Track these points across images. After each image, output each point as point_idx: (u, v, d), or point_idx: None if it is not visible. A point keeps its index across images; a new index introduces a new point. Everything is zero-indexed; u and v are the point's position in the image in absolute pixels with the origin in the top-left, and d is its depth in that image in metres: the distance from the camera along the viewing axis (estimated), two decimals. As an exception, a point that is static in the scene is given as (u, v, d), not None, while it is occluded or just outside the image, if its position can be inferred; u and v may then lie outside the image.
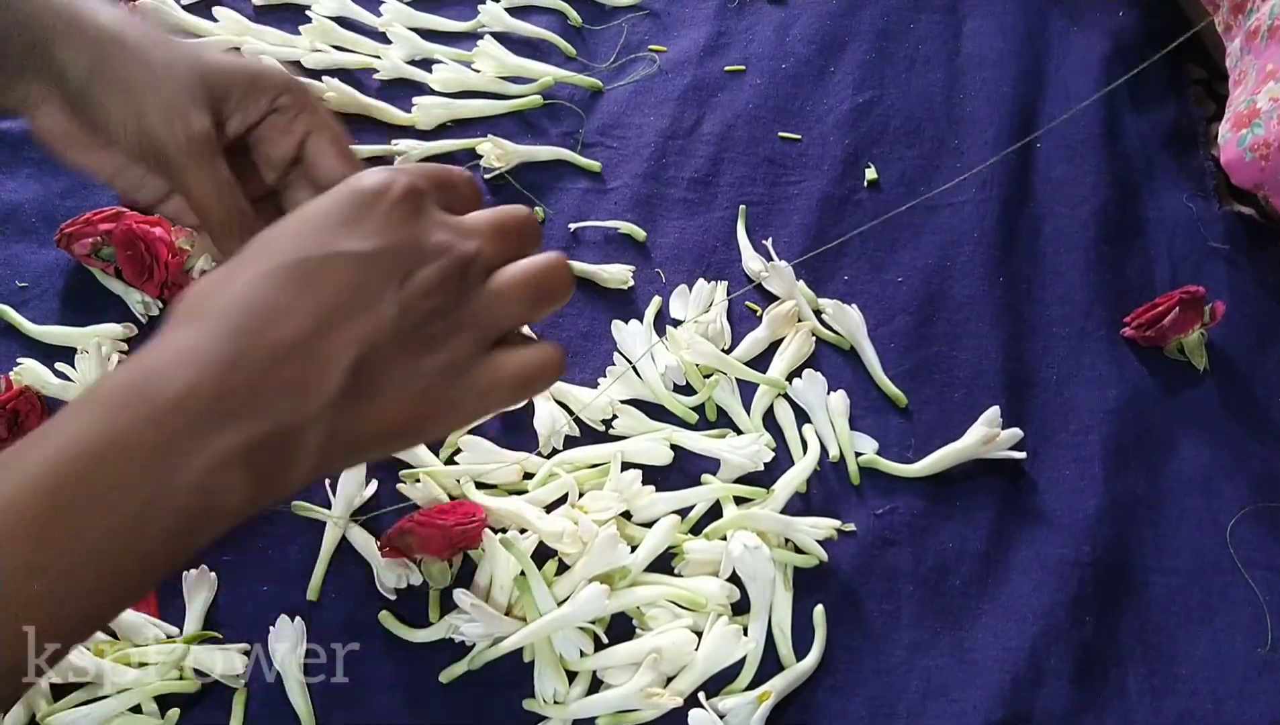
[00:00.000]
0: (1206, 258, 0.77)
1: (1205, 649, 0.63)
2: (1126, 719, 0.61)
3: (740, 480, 0.67)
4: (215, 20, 0.89)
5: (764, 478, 0.67)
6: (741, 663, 0.61)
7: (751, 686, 0.60)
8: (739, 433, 0.69)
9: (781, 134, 0.84)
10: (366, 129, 0.84)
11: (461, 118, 0.85)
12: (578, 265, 0.76)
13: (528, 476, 0.67)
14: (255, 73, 0.52)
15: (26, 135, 0.83)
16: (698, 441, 0.67)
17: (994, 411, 0.68)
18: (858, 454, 0.69)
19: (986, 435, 0.67)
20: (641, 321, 0.73)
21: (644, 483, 0.66)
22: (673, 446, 0.67)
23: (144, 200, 0.55)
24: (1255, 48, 0.75)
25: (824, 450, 0.69)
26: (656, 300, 0.75)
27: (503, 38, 0.88)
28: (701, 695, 0.59)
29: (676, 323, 0.73)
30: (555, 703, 0.60)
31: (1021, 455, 0.68)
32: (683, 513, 0.66)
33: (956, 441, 0.68)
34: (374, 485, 0.67)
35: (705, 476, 0.67)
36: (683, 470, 0.68)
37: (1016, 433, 0.68)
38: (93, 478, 0.35)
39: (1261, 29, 0.74)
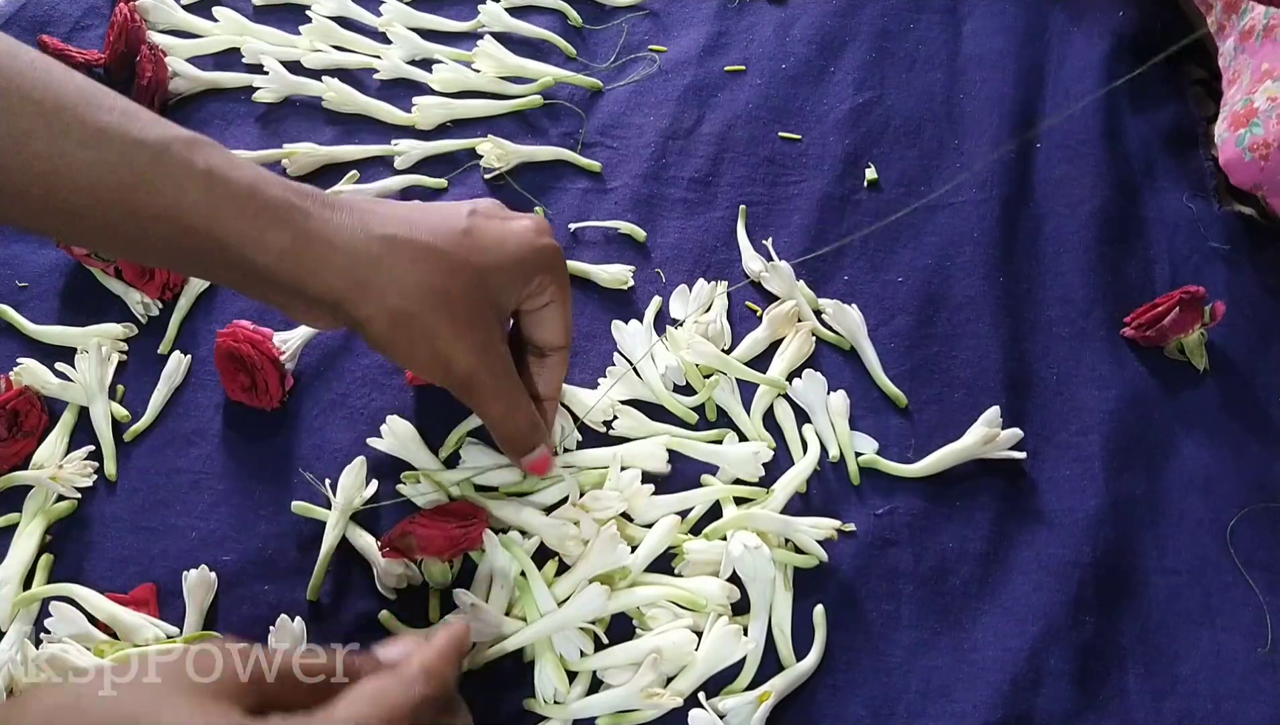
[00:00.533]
0: (1207, 258, 0.77)
1: (1205, 649, 0.63)
2: (1126, 719, 0.61)
3: (740, 481, 0.67)
4: (215, 20, 0.89)
5: (764, 478, 0.67)
6: (741, 663, 0.61)
7: (751, 686, 0.60)
8: (739, 432, 0.69)
9: (781, 134, 0.84)
10: (366, 129, 0.84)
11: (461, 118, 0.85)
12: (578, 265, 0.76)
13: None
14: (525, 262, 0.57)
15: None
16: (696, 448, 0.67)
17: (994, 411, 0.68)
18: (857, 454, 0.69)
19: (986, 435, 0.67)
20: (641, 321, 0.73)
21: (643, 482, 0.66)
22: (671, 452, 0.67)
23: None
24: (1250, 47, 0.75)
25: (824, 450, 0.69)
26: (656, 300, 0.75)
27: (503, 38, 0.88)
28: (701, 695, 0.59)
29: (676, 323, 0.73)
30: (555, 703, 0.60)
31: (1021, 455, 0.68)
32: (683, 514, 0.66)
33: (956, 441, 0.68)
34: (374, 485, 0.67)
35: (705, 477, 0.67)
36: (682, 472, 0.68)
37: (1016, 433, 0.68)
38: None
39: (1256, 28, 0.74)
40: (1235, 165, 0.73)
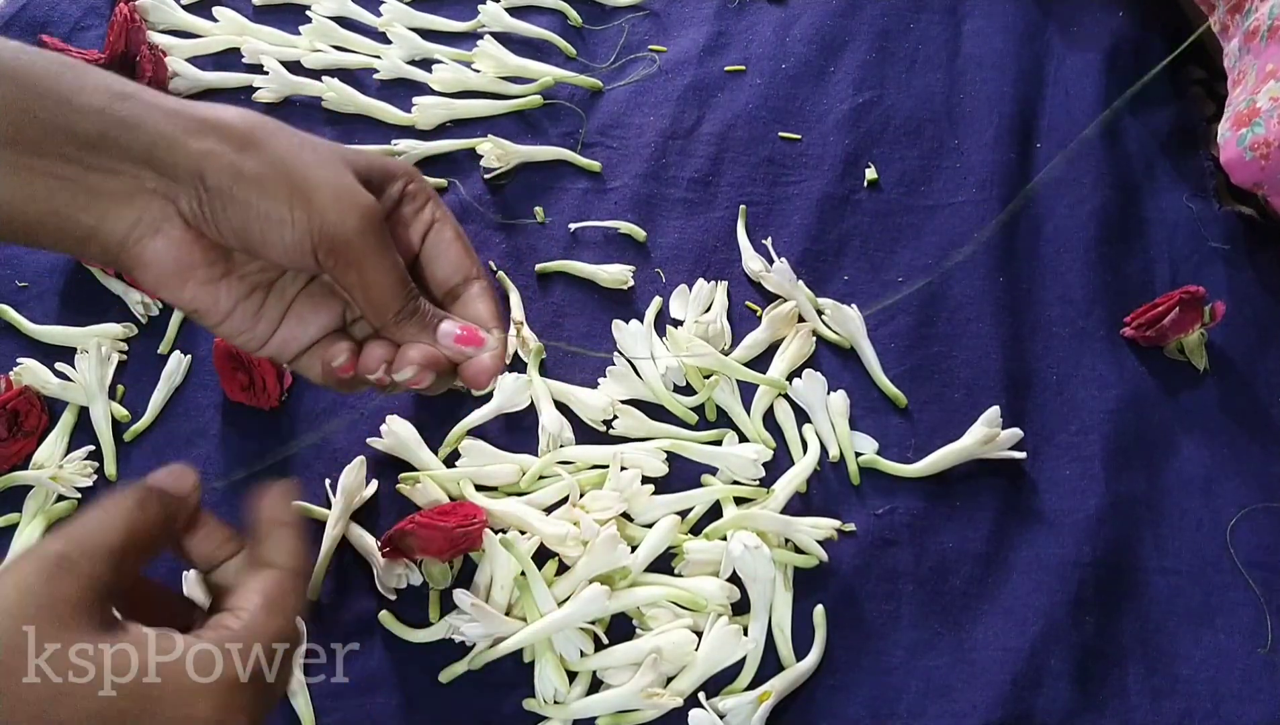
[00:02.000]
0: (1207, 258, 0.77)
1: (1205, 649, 0.63)
2: (1126, 719, 0.61)
3: (739, 482, 0.67)
4: (215, 20, 0.89)
5: (764, 478, 0.67)
6: (741, 663, 0.61)
7: (751, 686, 0.60)
8: (739, 433, 0.69)
9: (781, 134, 0.84)
10: (366, 129, 0.84)
11: (461, 118, 0.85)
12: (578, 265, 0.76)
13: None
14: (384, 159, 0.50)
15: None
16: (695, 449, 0.67)
17: (994, 411, 0.68)
18: (857, 454, 0.69)
19: (986, 435, 0.67)
20: (642, 321, 0.73)
21: (642, 483, 0.66)
22: (671, 453, 0.68)
23: (252, 343, 0.50)
24: (1255, 47, 0.75)
25: (824, 450, 0.69)
26: (657, 300, 0.74)
27: (503, 38, 0.88)
28: (702, 695, 0.59)
29: (677, 323, 0.73)
30: (555, 703, 0.60)
31: (1021, 455, 0.68)
32: (683, 514, 0.66)
33: (956, 442, 0.68)
34: (374, 485, 0.67)
35: (705, 477, 0.67)
36: (681, 472, 0.68)
37: (1016, 433, 0.68)
38: None
39: (1261, 29, 0.74)
40: (1236, 164, 0.73)
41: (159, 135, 0.42)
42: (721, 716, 0.59)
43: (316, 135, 0.78)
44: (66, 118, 0.41)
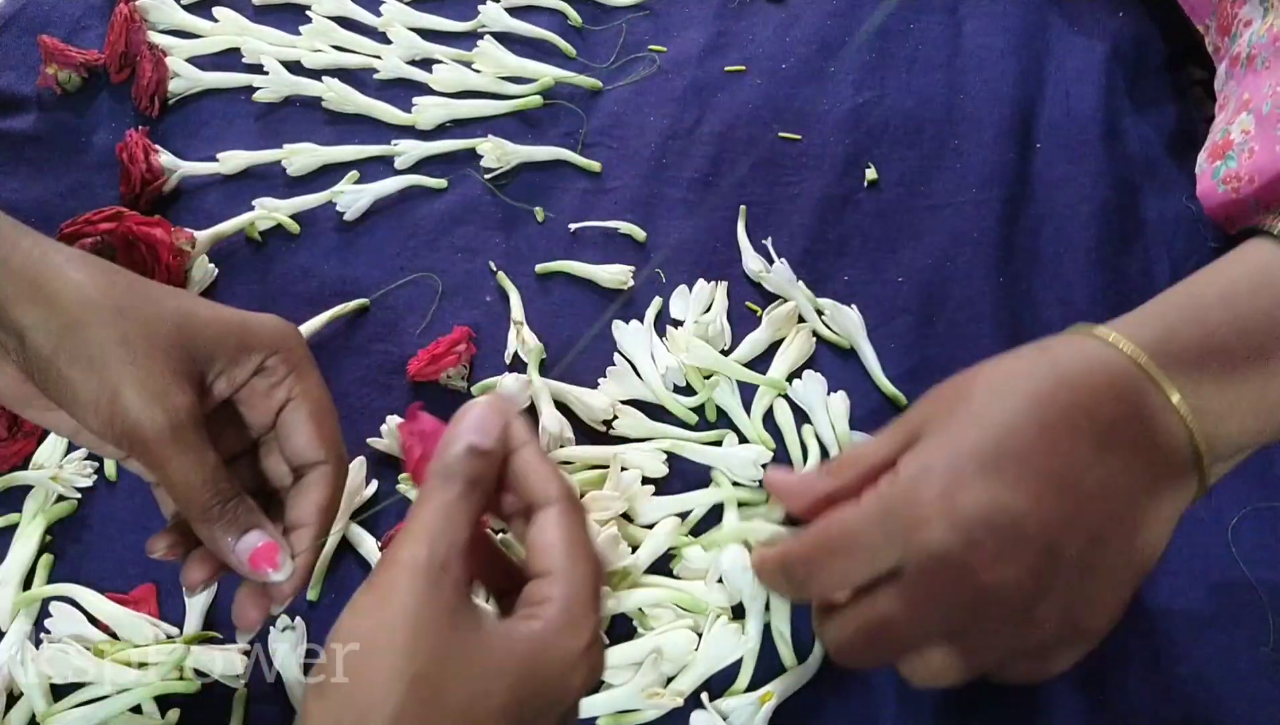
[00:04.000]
0: (1206, 258, 0.77)
1: (1207, 649, 0.63)
2: (1127, 719, 0.61)
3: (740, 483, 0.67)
4: (215, 20, 0.89)
5: (764, 479, 0.67)
6: (740, 662, 0.61)
7: (751, 686, 0.60)
8: (739, 433, 0.69)
9: (781, 134, 0.84)
10: (366, 129, 0.84)
11: (461, 118, 0.85)
12: (578, 265, 0.76)
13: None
14: (244, 330, 0.49)
15: (25, 134, 0.84)
16: (695, 450, 0.67)
17: None
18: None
19: None
20: (642, 321, 0.73)
21: (643, 483, 0.66)
22: (670, 454, 0.67)
23: (108, 456, 0.51)
24: (1237, 74, 0.74)
25: (824, 451, 0.69)
26: (657, 301, 0.74)
27: (503, 38, 0.88)
28: (705, 696, 0.59)
29: (677, 323, 0.73)
30: (556, 703, 0.60)
31: None
32: (683, 515, 0.66)
33: None
34: (374, 485, 0.67)
35: (715, 474, 0.67)
36: (682, 472, 0.68)
37: None
38: None
39: (1242, 55, 0.74)
40: (1209, 196, 0.73)
41: None
42: (725, 718, 0.59)
43: (319, 134, 0.78)
44: None
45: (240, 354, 0.49)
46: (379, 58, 0.87)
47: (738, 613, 0.62)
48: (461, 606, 0.40)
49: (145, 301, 0.46)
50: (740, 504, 0.66)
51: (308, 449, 0.50)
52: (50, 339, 0.44)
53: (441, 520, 0.41)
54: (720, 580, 0.62)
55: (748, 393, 0.71)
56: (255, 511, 0.48)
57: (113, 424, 0.44)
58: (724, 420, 0.70)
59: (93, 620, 0.62)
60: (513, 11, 0.91)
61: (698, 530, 0.66)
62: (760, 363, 0.72)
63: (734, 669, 0.61)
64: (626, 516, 0.65)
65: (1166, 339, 0.48)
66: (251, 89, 0.86)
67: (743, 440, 0.69)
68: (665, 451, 0.67)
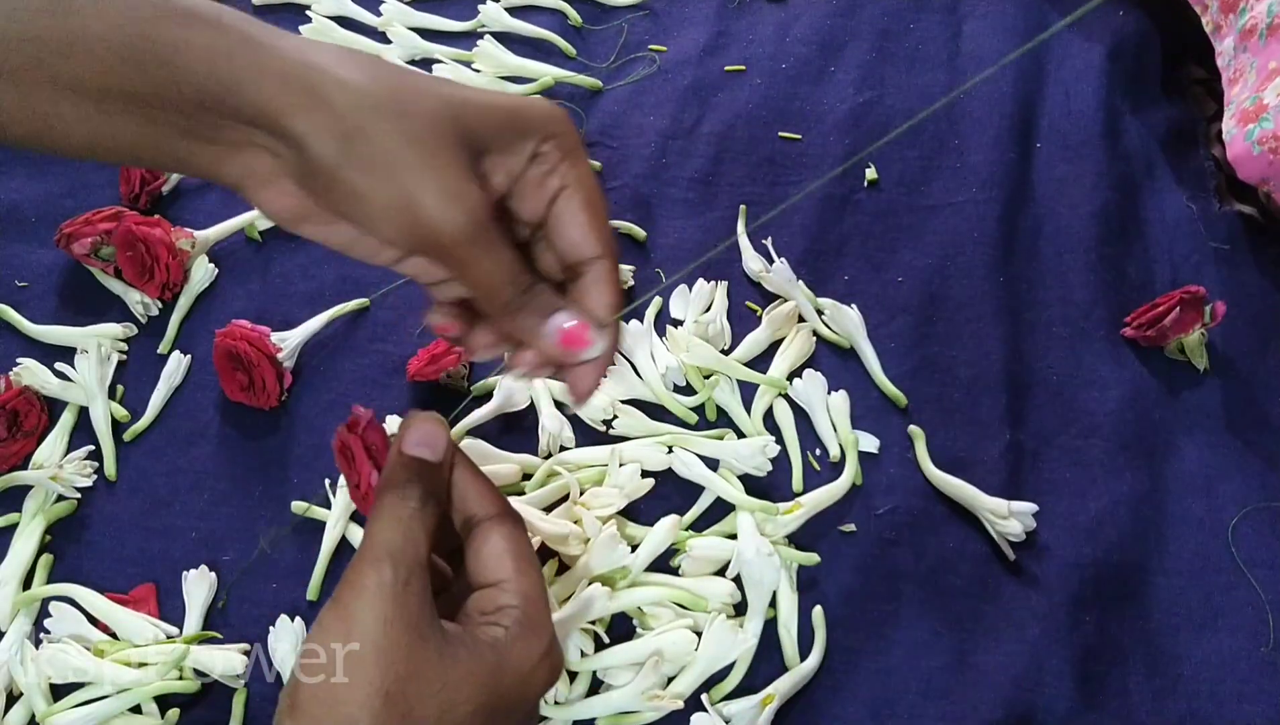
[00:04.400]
0: (1207, 258, 0.77)
1: (1207, 649, 0.63)
2: (1128, 720, 0.61)
3: (747, 482, 0.67)
4: (215, 20, 0.89)
5: (765, 478, 0.67)
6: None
7: (751, 684, 0.60)
8: (739, 432, 0.69)
9: (781, 134, 0.84)
10: (366, 129, 0.84)
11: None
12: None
13: (526, 477, 0.67)
14: (518, 114, 0.44)
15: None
16: (700, 444, 0.67)
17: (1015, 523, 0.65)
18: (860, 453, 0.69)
19: (997, 508, 0.65)
20: (642, 321, 0.73)
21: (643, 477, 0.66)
22: (672, 450, 0.67)
23: (380, 263, 0.47)
24: (1253, 45, 0.75)
25: (824, 449, 0.69)
26: (657, 300, 0.74)
27: (503, 37, 0.88)
28: (706, 699, 0.59)
29: (677, 323, 0.73)
30: (556, 703, 0.60)
31: (1015, 536, 0.66)
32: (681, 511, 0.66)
33: (970, 486, 0.67)
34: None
35: (723, 470, 0.67)
36: (676, 481, 0.68)
37: (1029, 507, 0.66)
38: None
39: (1260, 27, 0.74)
40: (1244, 160, 0.73)
41: (265, 105, 0.41)
42: (727, 721, 0.59)
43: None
44: (173, 76, 0.40)
45: (517, 141, 0.45)
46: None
47: (738, 610, 0.63)
48: (427, 620, 0.41)
49: (422, 96, 0.42)
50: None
51: (583, 242, 0.46)
52: (334, 147, 0.41)
53: (400, 538, 0.42)
54: (723, 573, 0.63)
55: (748, 392, 0.71)
56: (555, 297, 0.46)
57: (411, 230, 0.42)
58: (724, 419, 0.70)
59: (92, 620, 0.63)
60: (513, 11, 0.90)
61: (697, 526, 0.66)
62: (760, 362, 0.72)
63: (732, 667, 0.61)
64: (627, 515, 0.66)
65: None
66: (251, 88, 0.85)
67: (742, 439, 0.69)
68: (668, 446, 0.67)
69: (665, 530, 0.64)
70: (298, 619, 0.62)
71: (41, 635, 0.62)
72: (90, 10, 0.39)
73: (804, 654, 0.62)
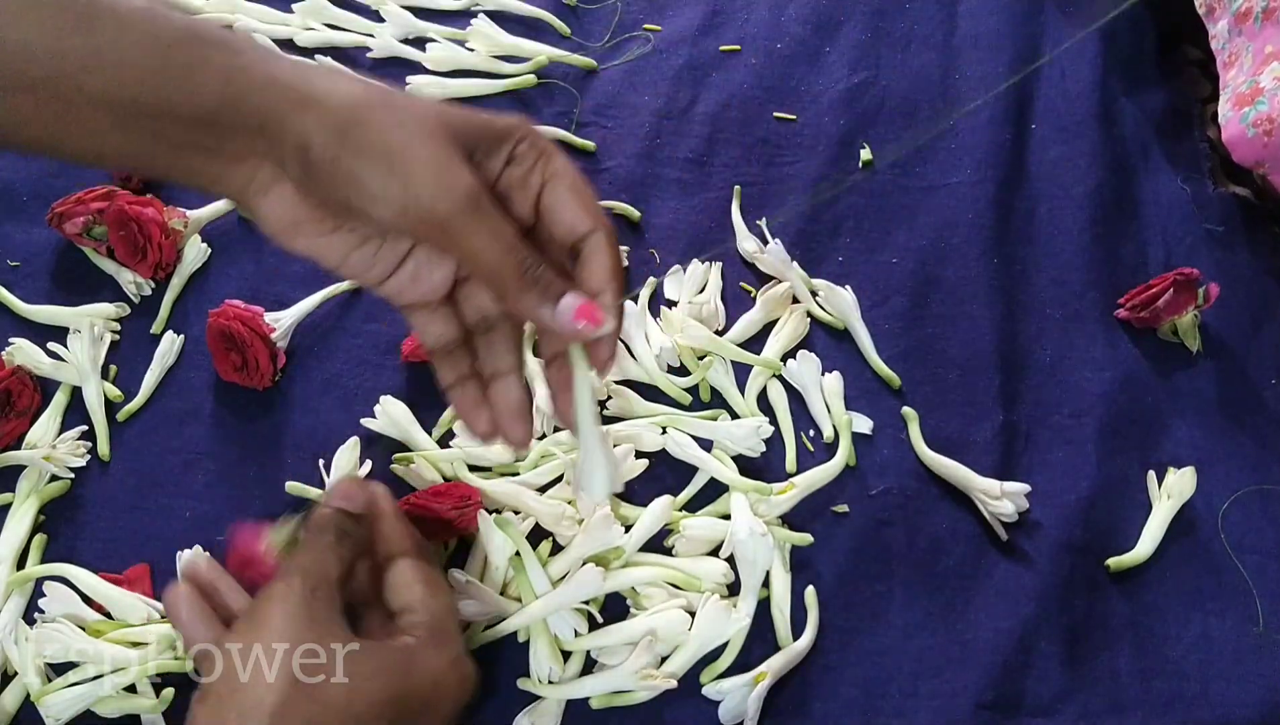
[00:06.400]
0: (1201, 240, 0.77)
1: (1196, 632, 0.64)
2: (1116, 700, 0.62)
3: (741, 461, 0.67)
4: (207, -3, 0.88)
5: (759, 459, 0.67)
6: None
7: (744, 663, 0.61)
8: (733, 413, 0.69)
9: (776, 114, 0.84)
10: (359, 108, 0.84)
11: (455, 96, 0.84)
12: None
13: (520, 458, 0.67)
14: (489, 123, 0.48)
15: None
16: (694, 425, 0.67)
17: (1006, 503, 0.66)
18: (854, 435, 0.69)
19: (989, 488, 0.66)
20: (636, 302, 0.73)
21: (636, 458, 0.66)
22: (666, 431, 0.67)
23: (369, 283, 0.50)
24: (1249, 29, 0.74)
25: (818, 430, 0.69)
26: (651, 281, 0.74)
27: (497, 16, 0.87)
28: (702, 680, 0.60)
29: (671, 303, 0.73)
30: (550, 682, 0.60)
31: (1007, 517, 0.66)
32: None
33: (964, 468, 0.67)
34: (368, 465, 0.67)
35: (716, 452, 0.67)
36: (671, 464, 0.68)
37: (1022, 487, 0.66)
38: None
39: (1255, 11, 0.74)
40: (1238, 142, 0.73)
41: (268, 112, 0.44)
42: (720, 698, 0.60)
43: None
44: (189, 91, 0.44)
45: (494, 144, 0.48)
46: (372, 36, 0.87)
47: (732, 590, 0.63)
48: (333, 619, 0.48)
49: (410, 100, 0.46)
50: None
51: (577, 220, 0.48)
52: (334, 137, 0.44)
53: (310, 560, 0.51)
54: (717, 553, 0.63)
55: (742, 373, 0.71)
56: (559, 278, 0.47)
57: (407, 209, 0.44)
58: (718, 401, 0.70)
59: (87, 600, 0.63)
60: (507, -11, 0.90)
61: (691, 507, 0.66)
62: (754, 343, 0.72)
63: (725, 646, 0.61)
64: (621, 496, 0.66)
65: None
66: (244, 67, 0.85)
67: (736, 420, 0.69)
68: (662, 427, 0.67)
69: (659, 511, 0.64)
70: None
71: (35, 615, 0.62)
72: (115, 30, 0.43)
73: (797, 634, 0.62)
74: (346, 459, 0.66)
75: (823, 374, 0.70)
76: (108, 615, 0.62)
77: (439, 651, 0.50)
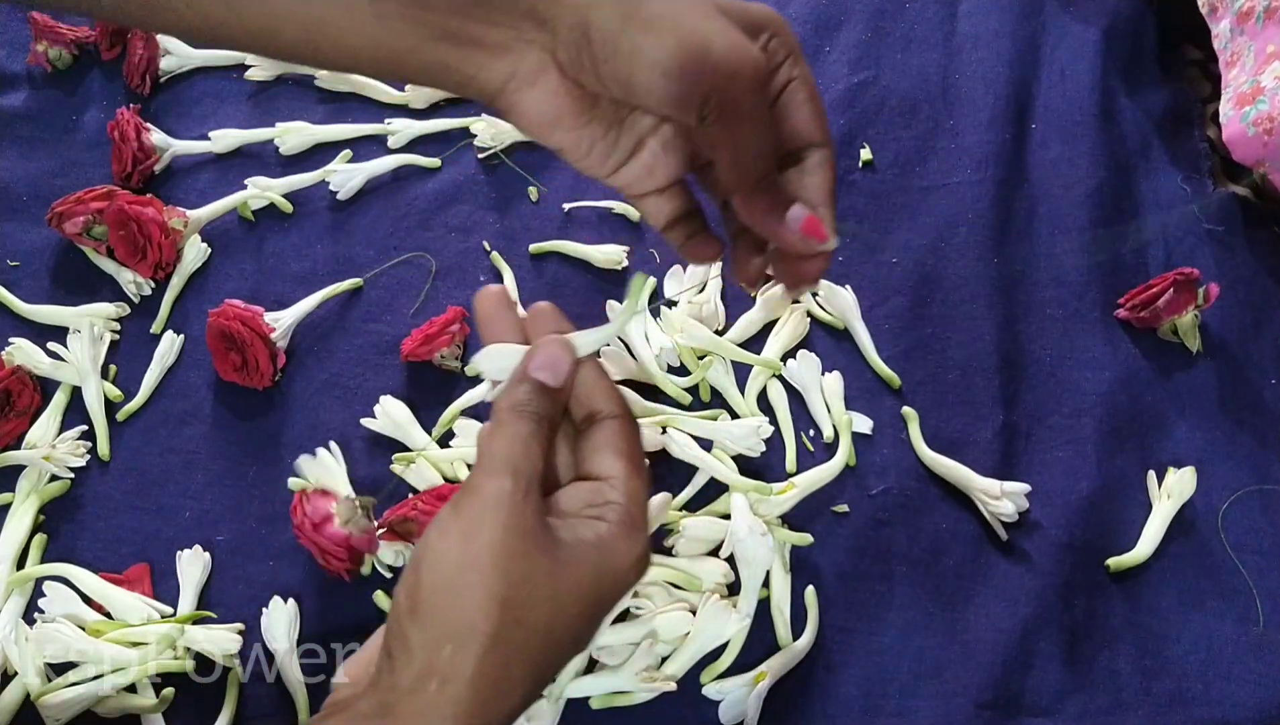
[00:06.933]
0: (1201, 240, 0.77)
1: (1196, 631, 0.64)
2: (1117, 700, 0.62)
3: (741, 461, 0.67)
4: (206, -3, 0.88)
5: (759, 459, 0.67)
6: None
7: (741, 664, 0.61)
8: (733, 413, 0.69)
9: (776, 114, 0.84)
10: (359, 107, 0.84)
11: (455, 96, 0.84)
12: (572, 245, 0.76)
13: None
14: (747, 9, 0.45)
15: (16, 112, 0.83)
16: (694, 425, 0.67)
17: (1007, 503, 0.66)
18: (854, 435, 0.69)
19: (989, 488, 0.66)
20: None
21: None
22: (666, 430, 0.67)
23: (600, 174, 0.49)
24: (1250, 29, 0.74)
25: (818, 430, 0.69)
26: (651, 281, 0.74)
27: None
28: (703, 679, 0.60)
29: (671, 303, 0.73)
30: (549, 682, 0.60)
31: (1007, 517, 0.66)
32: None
33: (964, 468, 0.67)
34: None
35: (716, 452, 0.67)
36: (671, 465, 0.68)
37: (1022, 487, 0.66)
38: None
39: (1257, 10, 0.74)
40: (1239, 141, 0.73)
41: None
42: (720, 698, 0.60)
43: (311, 113, 0.78)
44: None
45: (754, 30, 0.45)
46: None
47: (732, 590, 0.63)
48: (541, 531, 0.43)
49: None
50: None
51: (811, 130, 0.47)
52: (615, 14, 0.42)
53: (520, 453, 0.44)
54: (717, 553, 0.63)
55: (742, 373, 0.71)
56: (786, 191, 0.46)
57: (699, 85, 0.41)
58: (718, 400, 0.70)
59: (86, 600, 0.63)
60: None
61: (690, 506, 0.66)
62: (754, 343, 0.72)
63: (724, 646, 0.61)
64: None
65: None
66: (243, 66, 0.85)
67: (736, 419, 0.69)
68: (662, 426, 0.67)
69: (659, 510, 0.64)
70: (290, 600, 0.62)
71: (36, 614, 0.62)
72: None
73: (797, 634, 0.62)
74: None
75: (823, 374, 0.70)
76: (108, 615, 0.62)
77: (630, 541, 0.44)
